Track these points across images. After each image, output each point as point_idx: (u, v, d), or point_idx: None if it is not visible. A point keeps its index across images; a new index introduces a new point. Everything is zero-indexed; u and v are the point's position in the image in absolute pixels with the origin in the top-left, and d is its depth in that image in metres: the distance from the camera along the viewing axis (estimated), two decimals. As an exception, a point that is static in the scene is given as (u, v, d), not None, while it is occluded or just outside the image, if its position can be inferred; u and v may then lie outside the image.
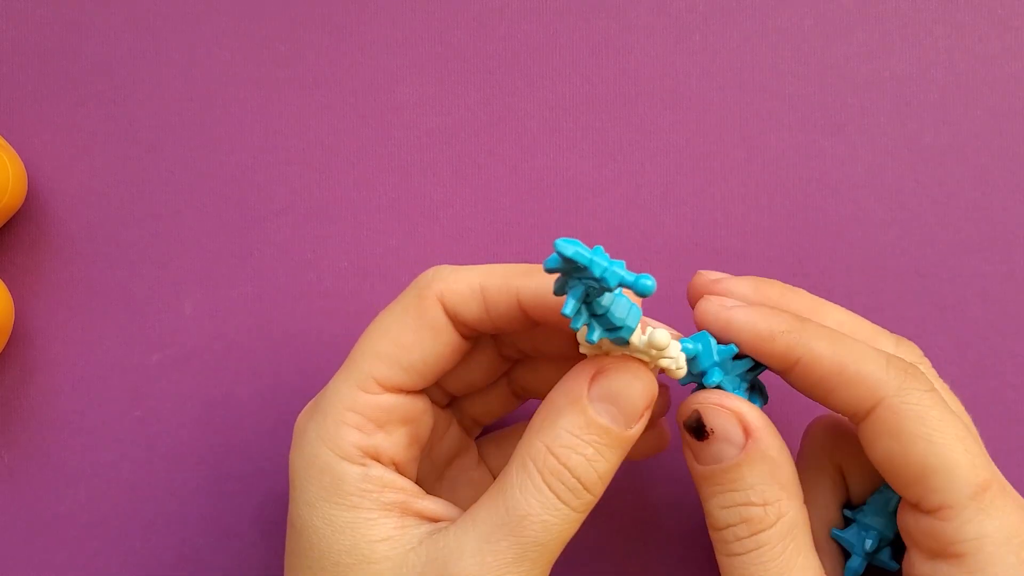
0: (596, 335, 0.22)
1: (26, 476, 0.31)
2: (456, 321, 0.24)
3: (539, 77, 0.32)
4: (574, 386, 0.23)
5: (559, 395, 0.23)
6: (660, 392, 0.25)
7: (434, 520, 0.24)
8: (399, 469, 0.25)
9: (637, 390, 0.23)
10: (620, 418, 0.23)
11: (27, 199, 0.32)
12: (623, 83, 0.32)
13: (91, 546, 0.31)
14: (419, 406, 0.25)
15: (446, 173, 0.32)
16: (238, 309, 0.32)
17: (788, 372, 0.24)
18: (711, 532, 0.24)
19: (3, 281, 0.31)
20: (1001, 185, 0.32)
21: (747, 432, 0.23)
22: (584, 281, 0.21)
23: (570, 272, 0.21)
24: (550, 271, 0.21)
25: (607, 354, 0.24)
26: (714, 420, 0.23)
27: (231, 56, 0.32)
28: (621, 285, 0.20)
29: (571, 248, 0.20)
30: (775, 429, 0.24)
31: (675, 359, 0.24)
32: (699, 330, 0.25)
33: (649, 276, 0.20)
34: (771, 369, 0.25)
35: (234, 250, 0.32)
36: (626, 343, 0.22)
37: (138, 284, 0.32)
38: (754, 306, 0.25)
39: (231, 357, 0.31)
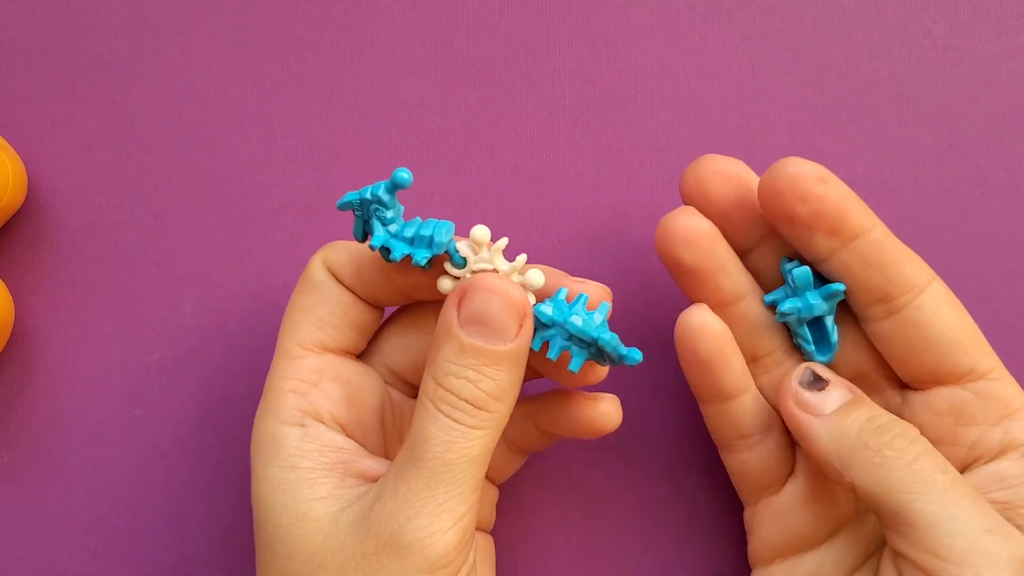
0: (421, 257, 0.24)
1: (26, 476, 0.31)
2: (343, 283, 0.26)
3: (539, 77, 0.32)
4: (445, 315, 0.24)
5: (437, 328, 0.24)
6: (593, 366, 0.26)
7: (376, 480, 0.25)
8: (346, 432, 0.26)
9: (496, 304, 0.23)
10: (492, 335, 0.23)
11: (27, 199, 0.32)
12: (623, 83, 0.32)
13: (91, 546, 0.31)
14: (350, 367, 0.26)
15: (446, 173, 0.32)
16: (238, 308, 0.32)
17: (855, 239, 0.25)
18: (871, 455, 0.24)
19: (3, 281, 0.31)
20: (1001, 185, 0.32)
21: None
22: (373, 211, 0.24)
23: (359, 209, 0.24)
24: (342, 208, 0.24)
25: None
26: (823, 372, 0.26)
27: (231, 56, 0.32)
28: (391, 189, 0.23)
29: (347, 197, 0.24)
30: None
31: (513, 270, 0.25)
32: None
33: (401, 169, 0.23)
34: (821, 251, 0.26)
35: (234, 249, 0.32)
36: (462, 263, 0.24)
37: (138, 283, 0.32)
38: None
39: (231, 356, 0.31)
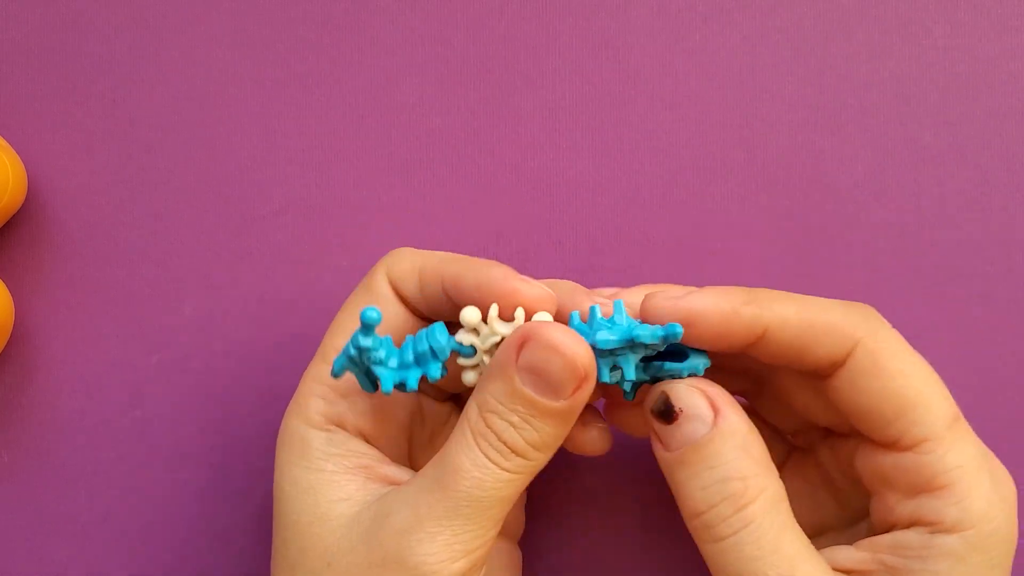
0: (435, 371, 0.23)
1: (26, 476, 0.31)
2: (402, 298, 0.25)
3: (539, 77, 0.32)
4: (504, 351, 0.23)
5: (494, 359, 0.23)
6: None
7: (397, 485, 0.24)
8: (367, 440, 0.26)
9: (557, 364, 0.22)
10: (547, 391, 0.22)
11: (27, 199, 0.32)
12: (623, 83, 0.32)
13: (91, 546, 0.31)
14: None
15: (446, 173, 0.32)
16: (238, 309, 0.32)
17: (754, 345, 0.23)
18: (691, 521, 0.23)
19: (3, 281, 0.31)
20: (1001, 185, 0.32)
21: (715, 408, 0.23)
22: (368, 360, 0.23)
23: (354, 365, 0.23)
24: (338, 375, 0.24)
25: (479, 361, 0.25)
26: (682, 399, 0.23)
27: (231, 56, 0.32)
28: (366, 332, 0.22)
29: (337, 364, 0.23)
30: (740, 407, 0.23)
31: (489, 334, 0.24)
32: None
33: (367, 309, 0.22)
34: (729, 350, 0.24)
35: (234, 250, 0.32)
36: (472, 352, 0.24)
37: (138, 284, 0.32)
38: (705, 289, 0.24)
39: (231, 357, 0.31)
